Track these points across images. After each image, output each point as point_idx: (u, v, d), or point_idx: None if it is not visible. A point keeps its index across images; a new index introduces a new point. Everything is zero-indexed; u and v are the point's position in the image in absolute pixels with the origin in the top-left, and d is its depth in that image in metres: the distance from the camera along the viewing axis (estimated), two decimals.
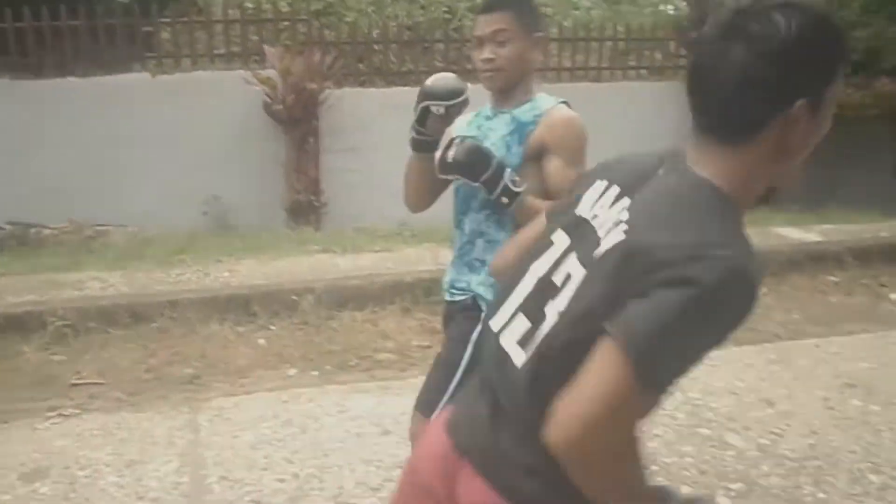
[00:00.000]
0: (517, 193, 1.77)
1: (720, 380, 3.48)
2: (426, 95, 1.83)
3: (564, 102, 1.89)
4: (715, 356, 3.13)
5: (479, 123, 1.94)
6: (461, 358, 1.85)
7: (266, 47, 6.40)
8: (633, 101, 7.19)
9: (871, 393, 3.34)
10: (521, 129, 1.85)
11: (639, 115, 7.13)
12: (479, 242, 1.91)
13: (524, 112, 1.86)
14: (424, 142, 1.91)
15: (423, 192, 2.00)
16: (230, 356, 3.67)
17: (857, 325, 4.16)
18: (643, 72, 7.74)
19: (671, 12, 10.31)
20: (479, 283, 1.90)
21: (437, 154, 1.87)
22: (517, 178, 1.78)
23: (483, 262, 1.88)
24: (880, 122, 6.76)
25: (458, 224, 1.97)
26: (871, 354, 3.74)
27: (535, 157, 1.83)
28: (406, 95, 6.29)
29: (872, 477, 2.72)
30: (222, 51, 6.79)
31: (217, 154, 6.20)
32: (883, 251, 5.02)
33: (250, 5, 7.31)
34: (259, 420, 3.08)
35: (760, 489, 2.63)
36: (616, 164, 1.21)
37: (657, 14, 10.47)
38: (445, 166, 1.81)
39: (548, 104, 1.87)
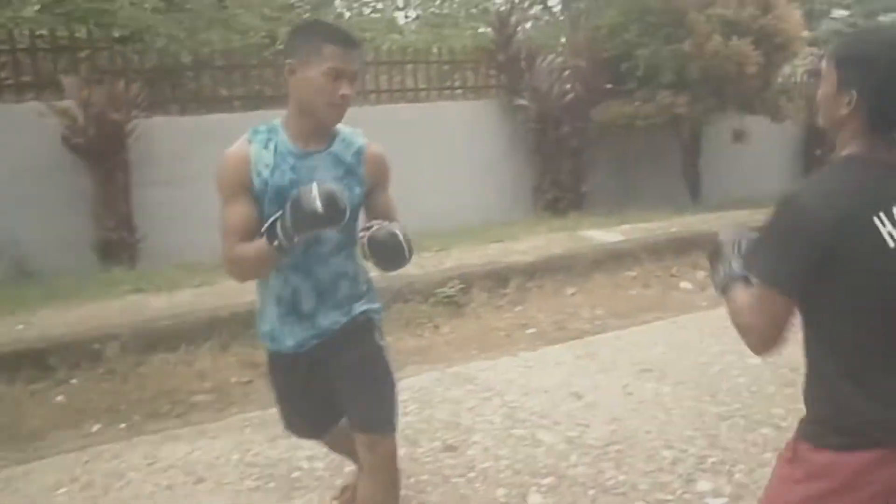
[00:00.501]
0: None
1: (534, 379, 3.72)
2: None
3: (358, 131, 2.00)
4: (529, 358, 3.35)
5: (290, 164, 1.83)
6: (391, 369, 2.06)
7: (63, 77, 6.01)
8: (449, 120, 7.51)
9: (664, 375, 3.72)
10: (352, 170, 1.91)
11: (454, 133, 7.45)
12: (343, 283, 1.99)
13: (343, 150, 1.91)
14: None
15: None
16: (21, 419, 3.36)
17: (652, 314, 4.62)
18: (462, 91, 8.09)
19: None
20: (363, 305, 2.02)
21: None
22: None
23: (350, 299, 1.99)
24: (665, 130, 7.52)
25: (308, 275, 1.94)
26: (664, 339, 4.17)
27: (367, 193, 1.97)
28: (224, 123, 6.07)
29: (665, 453, 3.02)
30: (10, 81, 6.28)
31: (11, 195, 5.71)
32: (673, 245, 5.60)
33: (43, 32, 6.83)
34: (53, 487, 2.83)
35: (569, 480, 2.82)
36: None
37: (477, 36, 10.97)
38: (316, 219, 1.72)
39: (359, 139, 1.97)
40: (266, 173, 1.83)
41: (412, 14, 14.36)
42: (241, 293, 4.46)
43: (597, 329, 4.42)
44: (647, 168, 8.24)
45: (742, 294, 1.50)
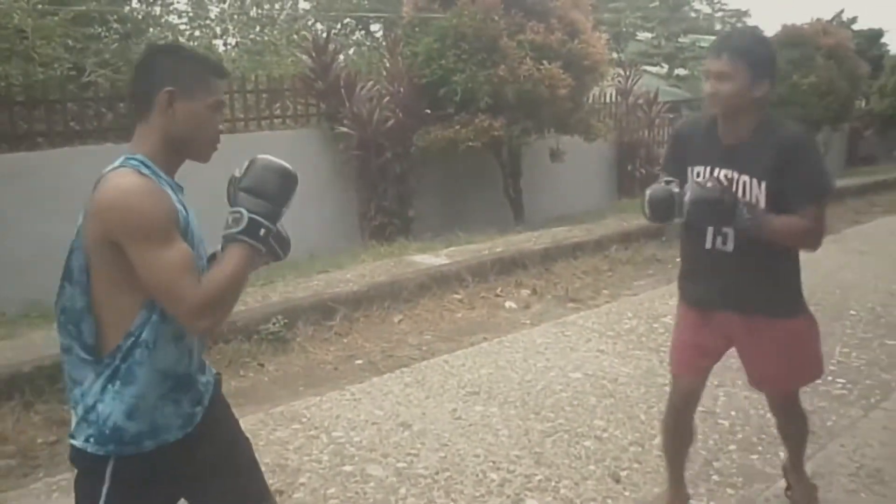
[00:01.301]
0: None
1: (362, 413, 3.57)
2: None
3: None
4: (357, 390, 3.18)
5: (179, 200, 1.57)
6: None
7: None
8: (268, 150, 7.10)
9: (491, 397, 3.70)
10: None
11: None
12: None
13: None
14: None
15: None
16: None
17: (478, 336, 4.62)
18: (284, 121, 7.84)
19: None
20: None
21: None
22: None
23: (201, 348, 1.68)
24: (486, 152, 7.72)
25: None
26: (490, 361, 4.17)
27: None
28: (28, 161, 5.45)
29: (493, 475, 2.98)
30: None
31: None
32: (497, 265, 5.69)
33: None
34: None
35: None
36: None
37: (298, 64, 10.78)
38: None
39: None
40: (180, 208, 1.54)
41: (231, 41, 13.95)
42: (46, 346, 3.99)
43: (424, 355, 4.35)
44: (472, 190, 8.42)
45: (786, 220, 2.14)
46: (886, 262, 6.78)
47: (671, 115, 11.55)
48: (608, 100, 10.62)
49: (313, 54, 7.73)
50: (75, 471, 1.55)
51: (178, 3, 13.33)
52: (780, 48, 11.48)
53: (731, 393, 3.77)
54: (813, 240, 2.19)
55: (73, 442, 1.51)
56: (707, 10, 35.39)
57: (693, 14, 31.57)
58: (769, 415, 3.48)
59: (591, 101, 9.51)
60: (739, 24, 35.93)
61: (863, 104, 14.52)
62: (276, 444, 3.31)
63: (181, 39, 12.59)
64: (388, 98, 7.59)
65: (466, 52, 7.41)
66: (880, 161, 15.60)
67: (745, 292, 2.27)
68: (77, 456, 1.51)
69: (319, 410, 3.61)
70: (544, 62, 7.38)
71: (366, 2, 16.59)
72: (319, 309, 4.71)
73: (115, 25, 9.95)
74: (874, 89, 15.23)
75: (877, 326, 4.88)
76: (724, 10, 36.43)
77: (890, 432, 3.35)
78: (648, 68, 18.91)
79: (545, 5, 7.87)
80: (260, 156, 1.57)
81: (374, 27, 16.56)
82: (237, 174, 1.55)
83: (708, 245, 2.26)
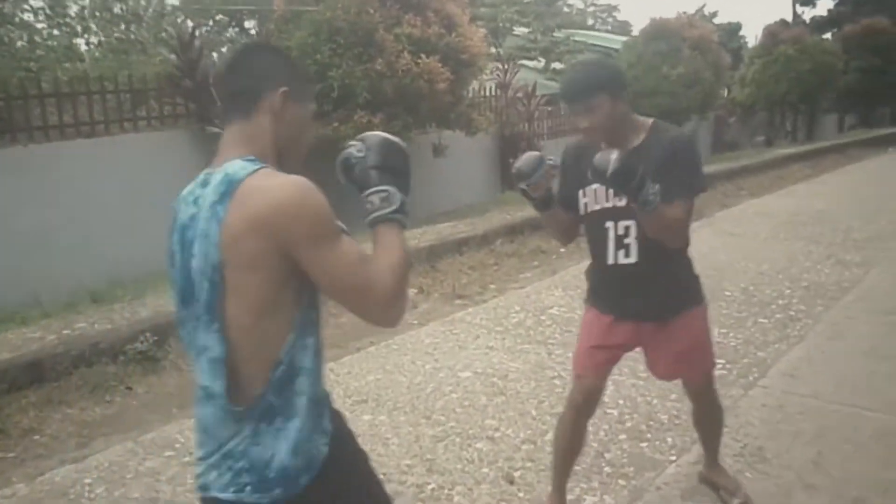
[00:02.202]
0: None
1: None
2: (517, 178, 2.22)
3: None
4: None
5: None
6: None
7: None
8: (132, 154, 6.76)
9: (379, 404, 3.55)
10: None
11: (139, 168, 6.72)
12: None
13: None
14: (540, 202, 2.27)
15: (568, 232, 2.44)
16: None
17: (364, 341, 4.44)
18: (150, 122, 7.31)
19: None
20: None
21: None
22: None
23: None
24: None
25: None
26: (378, 366, 4.02)
27: None
28: None
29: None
30: None
31: None
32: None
33: None
34: None
35: None
36: None
37: (166, 63, 10.18)
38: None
39: None
40: None
41: (94, 40, 13.01)
42: None
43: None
44: (353, 189, 8.19)
45: (671, 208, 2.09)
46: (754, 243, 7.13)
47: (549, 108, 11.77)
48: (488, 94, 10.67)
49: (179, 51, 7.28)
50: None
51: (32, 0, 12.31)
52: (649, 40, 11.99)
53: (618, 381, 3.78)
54: (681, 230, 2.24)
55: (221, 495, 1.32)
56: (580, 5, 36.65)
57: (566, 9, 32.55)
58: (656, 401, 3.56)
59: (470, 95, 9.51)
60: (609, 19, 37.47)
61: (725, 94, 15.42)
62: (146, 475, 3.03)
63: (38, 39, 11.65)
64: None
65: (342, 46, 7.20)
66: (743, 147, 16.64)
67: (654, 300, 2.32)
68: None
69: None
70: (422, 56, 7.27)
71: (240, 2, 15.94)
72: None
73: None
74: (735, 79, 16.23)
75: (750, 305, 5.08)
76: (595, 5, 37.88)
77: (769, 409, 3.46)
78: (526, 62, 19.27)
79: None
80: (370, 133, 1.49)
81: (249, 23, 15.93)
82: (356, 153, 1.43)
83: (610, 261, 2.29)
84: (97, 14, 12.83)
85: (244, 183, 1.25)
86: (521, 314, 4.85)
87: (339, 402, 3.56)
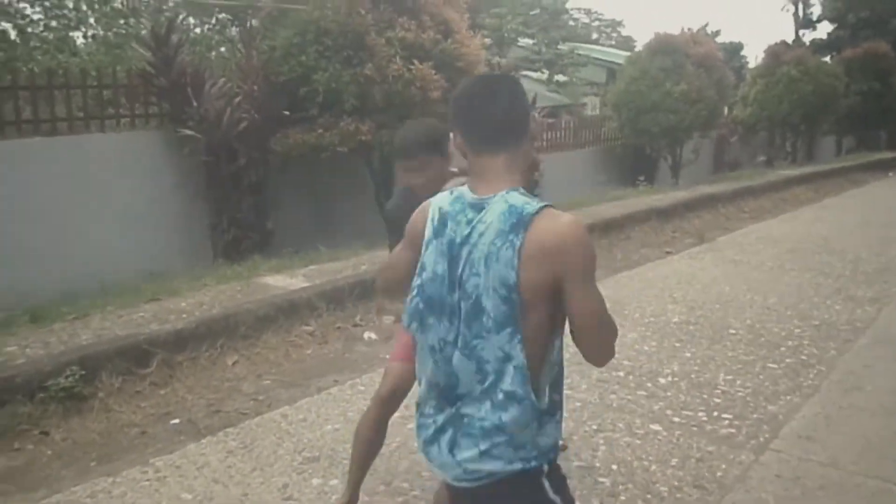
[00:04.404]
0: None
1: (164, 498, 2.80)
2: None
3: None
4: (163, 465, 2.17)
5: None
6: None
7: None
8: (98, 155, 6.27)
9: (332, 463, 3.02)
10: None
11: (106, 170, 6.23)
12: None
13: None
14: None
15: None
16: None
17: (328, 379, 3.93)
18: (118, 122, 6.80)
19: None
20: None
21: None
22: None
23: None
24: (353, 158, 7.02)
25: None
26: (338, 412, 3.49)
27: None
28: None
29: None
30: None
31: None
32: (358, 289, 4.99)
33: None
34: None
35: None
36: None
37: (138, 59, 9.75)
38: None
39: None
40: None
41: (91, 34, 12.57)
42: None
43: (259, 407, 3.60)
44: (340, 199, 7.71)
45: None
46: (759, 273, 6.67)
47: (551, 120, 11.29)
48: None
49: (153, 47, 6.77)
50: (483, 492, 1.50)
51: None
52: (653, 55, 11.55)
53: (612, 440, 3.29)
54: None
55: (495, 468, 1.49)
56: (585, 19, 36.39)
57: (572, 23, 32.23)
58: (654, 466, 3.06)
59: None
60: (614, 34, 37.16)
61: (727, 112, 15.08)
62: None
63: (32, 31, 11.22)
64: (241, 97, 6.75)
65: (330, 48, 6.71)
66: (744, 166, 16.26)
67: None
68: (506, 479, 1.49)
69: (109, 499, 2.80)
70: (415, 62, 6.78)
71: None
72: (131, 354, 3.84)
73: None
74: (737, 98, 15.88)
75: (758, 346, 4.62)
76: (600, 20, 37.60)
77: (784, 482, 2.97)
78: (529, 73, 18.86)
79: (417, 1, 7.27)
80: None
81: (250, 22, 15.48)
82: None
83: None
84: (95, 7, 12.46)
85: (536, 219, 1.45)
86: None
87: (286, 461, 3.04)
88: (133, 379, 3.76)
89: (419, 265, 1.56)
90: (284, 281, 5.16)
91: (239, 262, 6.02)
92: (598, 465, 3.08)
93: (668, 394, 3.85)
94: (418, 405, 1.62)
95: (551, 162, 10.05)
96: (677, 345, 4.64)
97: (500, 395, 1.46)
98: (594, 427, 3.42)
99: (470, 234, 1.48)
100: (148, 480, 2.93)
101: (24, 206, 5.74)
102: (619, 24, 39.46)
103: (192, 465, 3.02)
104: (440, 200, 1.58)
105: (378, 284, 1.83)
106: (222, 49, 12.68)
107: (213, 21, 14.85)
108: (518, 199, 1.48)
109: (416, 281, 1.56)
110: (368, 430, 2.52)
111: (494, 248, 1.44)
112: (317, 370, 4.05)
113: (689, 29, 12.16)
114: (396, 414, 3.36)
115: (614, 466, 3.06)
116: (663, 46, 11.51)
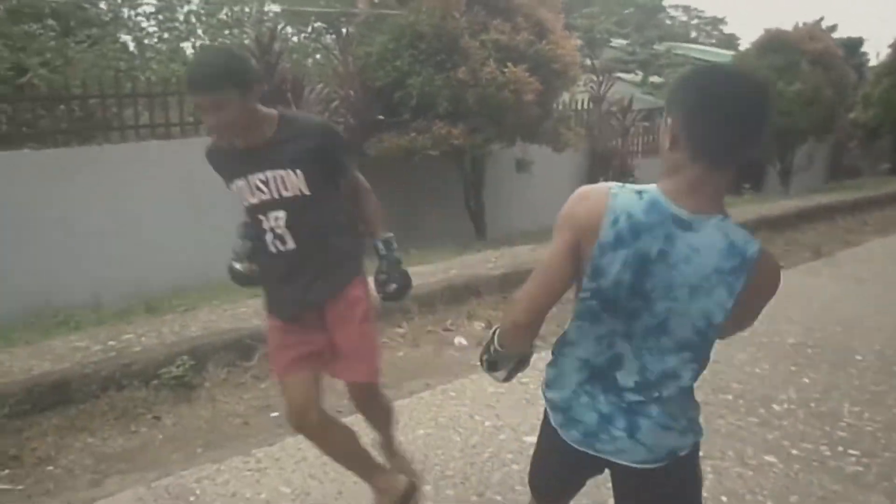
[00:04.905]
0: None
1: (265, 488, 2.89)
2: None
3: None
4: (264, 456, 2.41)
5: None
6: None
7: None
8: (203, 158, 6.55)
9: (424, 469, 2.97)
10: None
11: (213, 172, 6.51)
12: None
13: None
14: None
15: None
16: None
17: (420, 382, 3.94)
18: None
19: None
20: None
21: None
22: None
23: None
24: (444, 162, 7.07)
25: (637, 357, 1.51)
26: (430, 416, 3.50)
27: None
28: None
29: None
30: None
31: None
32: (449, 293, 5.01)
33: None
34: None
35: None
36: None
37: None
38: None
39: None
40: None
41: (199, 44, 13.27)
42: None
43: (352, 407, 3.65)
44: (430, 203, 7.78)
45: (366, 204, 2.48)
46: (889, 294, 6.09)
47: (646, 124, 11.01)
48: (580, 107, 10.04)
49: (257, 54, 7.04)
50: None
51: (146, 4, 12.70)
52: (763, 53, 10.99)
53: (720, 469, 3.13)
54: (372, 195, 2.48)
55: (683, 453, 1.58)
56: (683, 17, 35.28)
57: (668, 21, 31.36)
58: (770, 502, 2.84)
59: (560, 107, 8.93)
60: (715, 32, 35.86)
61: (846, 114, 14.02)
62: None
63: (148, 42, 11.97)
64: (337, 102, 6.92)
65: (424, 52, 6.78)
66: (864, 174, 15.14)
67: (316, 284, 2.30)
68: (685, 453, 1.59)
69: (213, 485, 2.92)
70: (509, 64, 6.76)
71: (337, 6, 15.93)
72: (236, 347, 4.02)
73: (51, 22, 9.21)
74: (858, 99, 14.67)
75: (889, 376, 4.21)
76: (700, 18, 36.35)
77: None
78: (622, 75, 18.47)
79: (511, 3, 7.25)
80: None
81: (345, 30, 15.88)
82: None
83: (273, 249, 2.29)
84: (203, 19, 13.14)
85: (758, 264, 1.40)
86: None
87: (382, 462, 3.11)
88: (237, 371, 3.93)
89: (593, 268, 1.42)
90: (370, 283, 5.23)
91: None
92: (706, 494, 2.95)
93: (784, 423, 3.57)
94: (557, 400, 1.60)
95: (647, 167, 9.81)
96: (793, 368, 4.31)
97: (667, 393, 1.50)
98: (700, 453, 3.26)
99: (668, 252, 1.39)
100: (250, 470, 3.03)
101: (142, 204, 6.10)
102: (721, 21, 38.04)
103: (290, 458, 3.11)
104: (627, 204, 1.40)
105: (523, 315, 1.54)
106: (317, 56, 13.10)
107: (309, 29, 15.34)
108: (737, 233, 1.39)
109: (591, 284, 1.43)
110: (316, 436, 2.44)
111: (708, 283, 1.38)
112: (408, 373, 4.09)
113: (803, 24, 11.53)
114: (487, 423, 3.42)
115: (724, 498, 2.86)
116: (775, 43, 10.96)
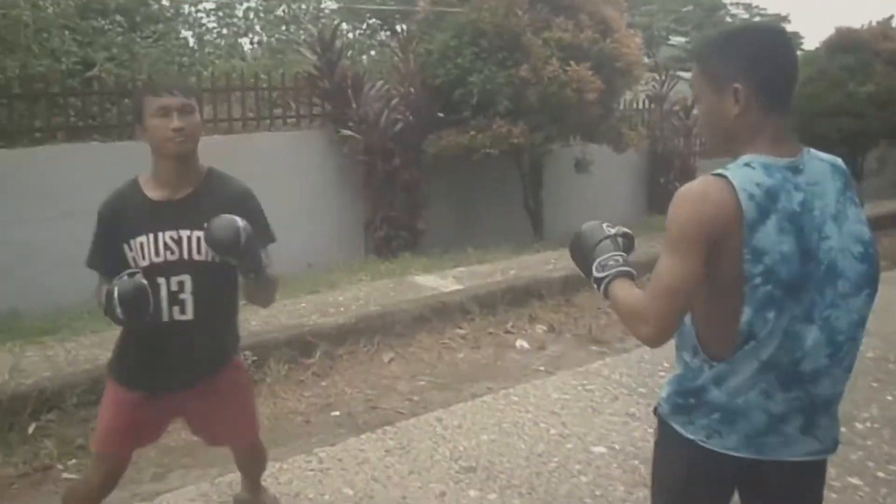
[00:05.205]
0: None
1: (328, 489, 2.85)
2: None
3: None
4: (326, 456, 2.35)
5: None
6: None
7: None
8: (266, 153, 6.60)
9: (490, 476, 2.94)
10: None
11: (273, 167, 6.55)
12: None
13: None
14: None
15: None
16: None
17: (482, 385, 3.87)
18: (286, 121, 7.17)
19: None
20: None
21: None
22: None
23: None
24: (503, 160, 6.98)
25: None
26: (493, 421, 3.41)
27: None
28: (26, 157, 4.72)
29: None
30: None
31: None
32: (510, 295, 4.92)
33: None
34: None
35: None
36: None
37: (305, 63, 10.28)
38: None
39: None
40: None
41: (256, 40, 13.49)
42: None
43: (415, 408, 3.61)
44: (488, 201, 7.70)
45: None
46: None
47: None
48: (640, 106, 9.81)
49: (319, 52, 7.06)
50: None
51: (206, 1, 12.99)
52: (833, 53, 10.55)
53: None
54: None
55: (837, 435, 1.55)
56: (744, 14, 34.41)
57: (729, 19, 30.62)
58: None
59: (622, 107, 8.73)
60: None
61: None
62: None
63: (207, 38, 12.21)
64: (397, 99, 6.89)
65: (485, 50, 6.69)
66: None
67: (201, 361, 2.16)
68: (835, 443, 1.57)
69: (276, 484, 2.90)
70: (572, 63, 6.62)
71: (392, 2, 15.99)
72: (297, 344, 4.01)
73: (119, 18, 9.43)
74: None
75: None
76: (762, 15, 35.39)
77: None
78: (681, 73, 18.03)
79: (575, 0, 7.10)
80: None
81: (401, 27, 15.92)
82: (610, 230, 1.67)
83: (165, 318, 2.07)
84: (261, 15, 13.36)
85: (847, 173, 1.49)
86: (672, 374, 4.05)
87: (443, 467, 3.02)
88: (297, 368, 3.92)
89: (751, 251, 1.36)
90: (435, 281, 5.19)
91: (390, 259, 6.15)
92: None
93: (868, 442, 3.35)
94: (723, 403, 1.46)
95: (709, 168, 9.47)
96: (874, 385, 4.06)
97: (843, 368, 1.45)
98: None
99: (805, 199, 1.39)
100: (312, 470, 3.00)
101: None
102: (784, 18, 36.91)
103: (352, 459, 3.07)
104: (748, 176, 1.38)
105: (663, 336, 1.46)
106: (372, 53, 13.17)
107: (365, 26, 15.44)
108: (825, 156, 1.47)
109: (756, 267, 1.36)
110: None
111: (841, 207, 1.41)
112: (469, 375, 4.02)
113: (876, 23, 11.04)
114: (553, 431, 3.32)
115: None
116: (845, 43, 10.49)
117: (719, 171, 1.41)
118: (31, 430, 3.27)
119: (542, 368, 4.10)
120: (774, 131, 1.43)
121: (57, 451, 3.16)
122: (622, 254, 1.62)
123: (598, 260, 1.60)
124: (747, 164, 1.40)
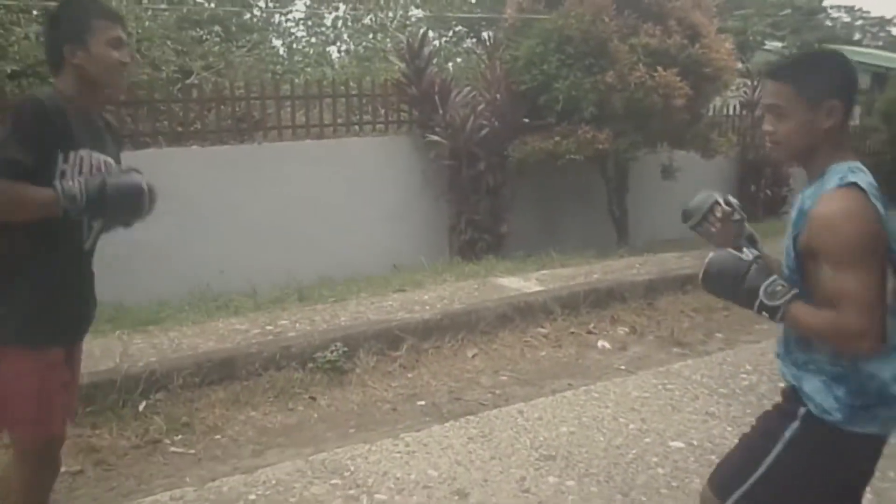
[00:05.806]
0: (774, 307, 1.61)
1: (414, 470, 3.02)
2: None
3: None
4: (412, 441, 2.60)
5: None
6: (764, 455, 1.68)
7: None
8: (357, 157, 6.91)
9: (569, 464, 3.04)
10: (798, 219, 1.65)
11: (363, 170, 6.84)
12: None
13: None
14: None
15: None
16: None
17: (562, 382, 3.96)
18: (375, 127, 7.46)
19: None
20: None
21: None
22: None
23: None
24: (587, 166, 7.02)
25: None
26: (573, 415, 3.50)
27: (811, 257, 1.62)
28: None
29: None
30: None
31: None
32: (592, 297, 4.98)
33: None
34: None
35: None
36: None
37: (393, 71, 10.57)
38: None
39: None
40: None
41: (344, 48, 13.99)
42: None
43: (497, 400, 3.74)
44: (571, 207, 7.74)
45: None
46: None
47: None
48: (731, 112, 9.62)
49: (408, 59, 7.31)
50: None
51: (295, 10, 13.56)
52: None
53: (879, 490, 2.93)
54: None
55: None
56: (845, 18, 32.85)
57: (829, 23, 29.34)
58: None
59: (711, 113, 8.60)
60: (882, 34, 33.17)
61: None
62: (309, 502, 2.82)
63: (297, 47, 12.74)
64: (483, 105, 7.05)
65: (571, 56, 6.76)
66: None
67: (92, 302, 2.12)
68: None
69: (366, 463, 3.09)
70: (658, 68, 6.61)
71: (479, 10, 16.22)
72: (385, 337, 4.20)
73: (216, 28, 9.98)
74: None
75: None
76: (864, 18, 33.69)
77: None
78: None
79: (663, 6, 7.08)
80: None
81: (486, 34, 16.12)
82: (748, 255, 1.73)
83: (87, 245, 2.02)
84: (349, 24, 13.78)
85: None
86: (754, 376, 4.03)
87: (523, 455, 3.15)
88: (385, 360, 4.11)
89: (893, 239, 1.58)
90: (518, 283, 5.30)
91: (474, 262, 6.29)
92: None
93: None
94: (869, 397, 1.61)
95: (802, 176, 9.22)
96: None
97: None
98: None
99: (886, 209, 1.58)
100: (399, 453, 3.17)
101: (294, 199, 6.50)
102: (889, 21, 35.02)
103: (437, 444, 3.23)
104: (866, 182, 1.57)
105: (876, 344, 1.54)
106: (459, 60, 13.38)
107: (451, 34, 15.69)
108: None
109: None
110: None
111: None
112: (550, 372, 4.12)
113: None
114: (632, 426, 3.38)
115: None
116: None
117: (847, 180, 1.55)
118: (141, 407, 3.55)
119: (622, 368, 4.15)
120: (848, 140, 1.65)
121: (165, 427, 3.42)
122: (777, 278, 1.66)
123: (764, 287, 1.65)
124: (858, 169, 1.58)
